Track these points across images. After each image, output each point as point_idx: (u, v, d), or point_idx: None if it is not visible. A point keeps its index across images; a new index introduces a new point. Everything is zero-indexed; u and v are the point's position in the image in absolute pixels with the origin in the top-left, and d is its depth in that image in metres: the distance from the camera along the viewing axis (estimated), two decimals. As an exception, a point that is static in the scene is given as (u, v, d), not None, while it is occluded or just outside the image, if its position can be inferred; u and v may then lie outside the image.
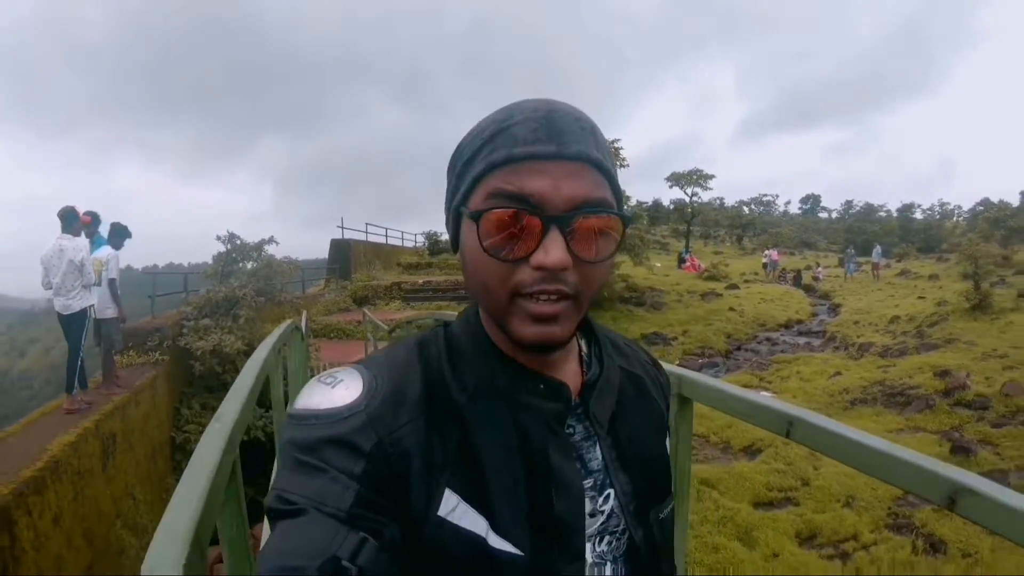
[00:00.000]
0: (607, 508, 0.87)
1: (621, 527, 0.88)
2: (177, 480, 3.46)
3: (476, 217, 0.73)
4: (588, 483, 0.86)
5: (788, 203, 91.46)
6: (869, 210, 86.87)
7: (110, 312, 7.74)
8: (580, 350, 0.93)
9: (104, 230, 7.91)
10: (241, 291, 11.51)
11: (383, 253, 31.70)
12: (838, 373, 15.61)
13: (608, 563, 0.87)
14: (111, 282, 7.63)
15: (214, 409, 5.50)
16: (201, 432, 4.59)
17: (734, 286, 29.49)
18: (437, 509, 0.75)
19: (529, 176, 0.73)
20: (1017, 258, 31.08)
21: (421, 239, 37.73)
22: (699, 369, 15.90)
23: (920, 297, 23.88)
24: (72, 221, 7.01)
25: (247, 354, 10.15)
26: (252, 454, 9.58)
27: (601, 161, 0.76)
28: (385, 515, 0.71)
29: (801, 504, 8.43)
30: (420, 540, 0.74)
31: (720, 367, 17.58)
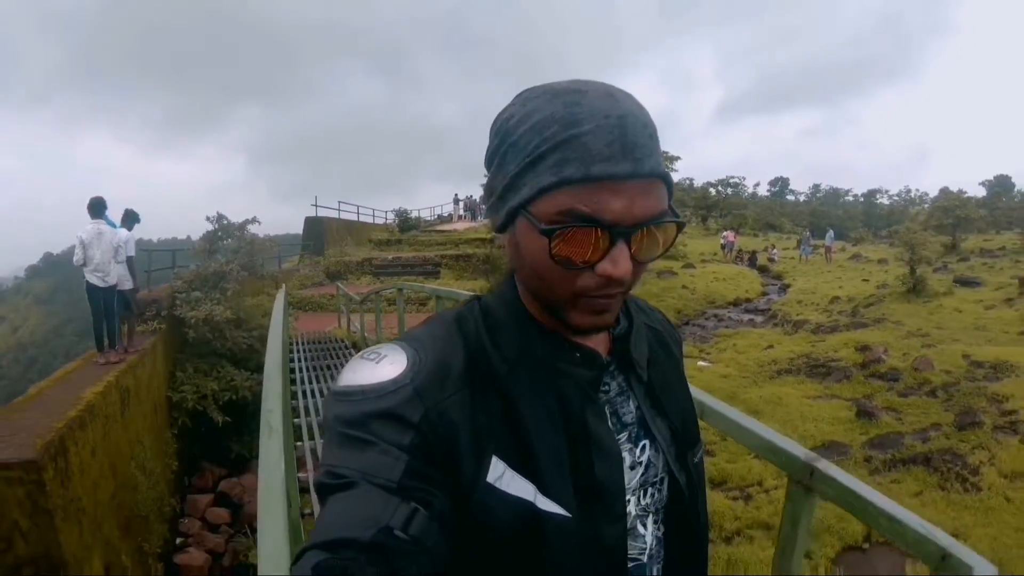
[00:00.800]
0: (644, 458, 0.91)
1: (659, 476, 0.93)
2: (174, 434, 4.89)
3: (549, 234, 0.74)
4: (623, 437, 0.90)
5: (757, 185, 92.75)
6: (836, 194, 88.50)
7: (128, 284, 9.06)
8: None
9: (111, 214, 9.14)
10: (228, 267, 12.83)
11: (355, 230, 32.76)
12: (771, 346, 17.01)
13: (650, 515, 0.93)
14: (129, 259, 8.92)
15: (205, 372, 6.99)
16: (195, 392, 5.99)
17: (690, 265, 30.97)
18: (486, 476, 0.78)
19: (605, 197, 0.73)
20: (965, 246, 32.86)
21: (392, 216, 38.71)
22: None
23: (864, 280, 25.58)
24: (101, 210, 8.34)
25: (235, 323, 11.55)
26: (240, 412, 10.93)
27: (668, 175, 0.79)
28: (434, 485, 0.74)
29: (716, 455, 9.81)
30: (470, 507, 0.77)
31: (672, 341, 18.71)
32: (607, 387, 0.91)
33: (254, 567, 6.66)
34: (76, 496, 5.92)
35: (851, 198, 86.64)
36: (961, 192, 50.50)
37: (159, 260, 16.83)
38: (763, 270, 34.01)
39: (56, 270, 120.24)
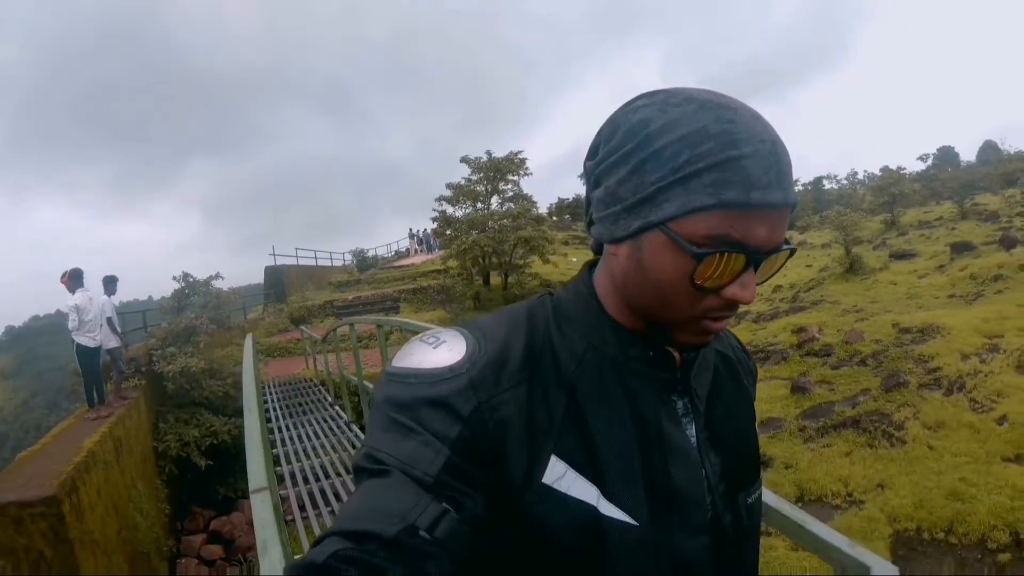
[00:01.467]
0: None
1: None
2: (163, 481, 5.94)
3: (699, 258, 0.72)
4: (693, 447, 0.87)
5: None
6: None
7: (114, 343, 10.02)
8: None
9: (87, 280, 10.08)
10: (197, 321, 13.84)
11: (314, 274, 33.85)
12: (713, 339, 17.93)
13: None
14: (109, 320, 9.86)
15: (185, 421, 8.16)
16: (178, 440, 7.02)
17: None
18: (541, 477, 0.76)
19: (755, 224, 0.72)
20: (904, 220, 34.30)
21: (349, 257, 39.66)
22: None
23: (808, 265, 26.29)
24: (81, 279, 9.33)
25: (208, 372, 12.54)
26: (221, 456, 11.86)
27: (798, 204, 0.78)
28: (472, 485, 0.72)
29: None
30: (521, 509, 0.75)
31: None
32: (675, 402, 0.88)
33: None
34: (89, 529, 6.87)
35: (801, 187, 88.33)
36: (900, 169, 52.56)
37: (130, 321, 17.54)
38: None
39: (19, 343, 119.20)
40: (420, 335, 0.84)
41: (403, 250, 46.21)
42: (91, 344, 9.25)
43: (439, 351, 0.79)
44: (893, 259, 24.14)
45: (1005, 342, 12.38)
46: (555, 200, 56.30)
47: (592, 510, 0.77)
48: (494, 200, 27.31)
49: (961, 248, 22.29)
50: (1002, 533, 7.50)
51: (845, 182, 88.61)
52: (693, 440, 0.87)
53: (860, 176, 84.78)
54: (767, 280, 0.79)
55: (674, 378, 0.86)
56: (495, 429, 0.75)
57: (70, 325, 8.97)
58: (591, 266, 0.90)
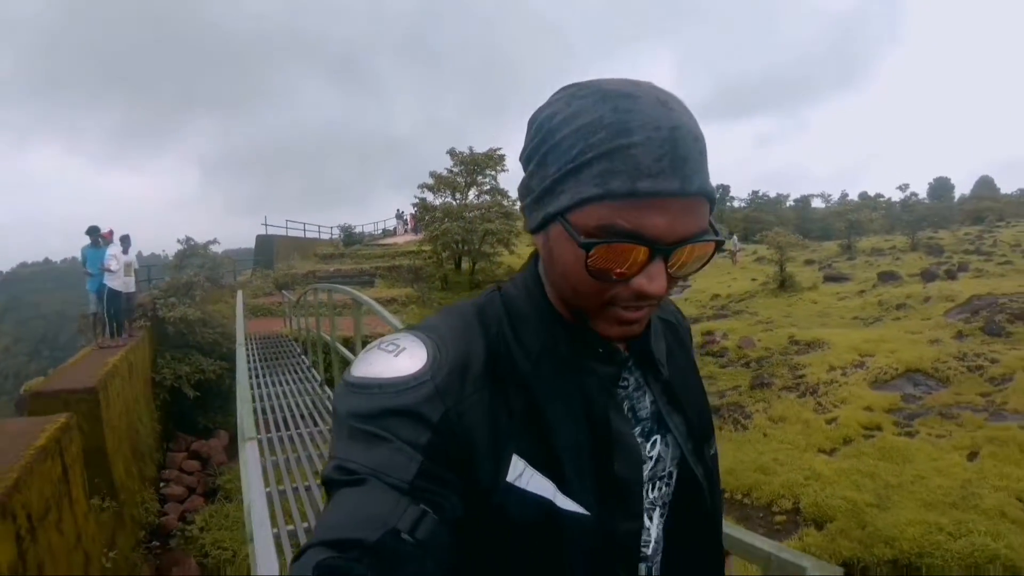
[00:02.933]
0: (654, 454, 0.94)
1: (667, 470, 0.96)
2: (157, 406, 8.96)
3: (587, 248, 0.74)
4: (636, 431, 0.92)
5: None
6: (776, 201, 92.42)
7: (132, 290, 13.10)
8: None
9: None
10: (195, 278, 16.85)
11: (301, 245, 36.41)
12: (637, 336, 20.63)
13: (657, 508, 0.96)
14: (136, 272, 13.00)
15: (179, 359, 11.53)
16: (172, 373, 10.07)
17: None
18: (505, 476, 0.79)
19: (649, 214, 0.73)
20: (861, 246, 36.97)
21: (337, 231, 42.36)
22: None
23: (753, 279, 28.72)
24: (125, 243, 12.27)
25: (202, 322, 15.44)
26: (206, 391, 14.64)
27: (714, 193, 0.78)
28: (447, 488, 0.74)
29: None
30: (488, 508, 0.79)
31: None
32: (625, 382, 0.93)
33: (222, 488, 10.42)
34: (111, 418, 9.68)
35: (791, 204, 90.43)
36: (878, 196, 55.21)
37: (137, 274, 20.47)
38: None
39: (4, 288, 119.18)
40: (379, 342, 0.84)
41: (390, 229, 48.40)
42: (121, 289, 12.08)
43: (400, 359, 0.79)
44: (827, 281, 26.54)
45: (872, 361, 14.53)
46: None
47: (549, 503, 0.80)
48: (472, 192, 29.93)
49: (887, 277, 24.81)
50: (787, 501, 9.85)
51: (833, 203, 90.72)
52: (646, 411, 0.94)
53: (851, 198, 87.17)
54: (690, 272, 0.80)
55: (620, 370, 0.91)
56: (463, 433, 0.77)
57: (113, 267, 11.73)
58: (537, 256, 0.91)
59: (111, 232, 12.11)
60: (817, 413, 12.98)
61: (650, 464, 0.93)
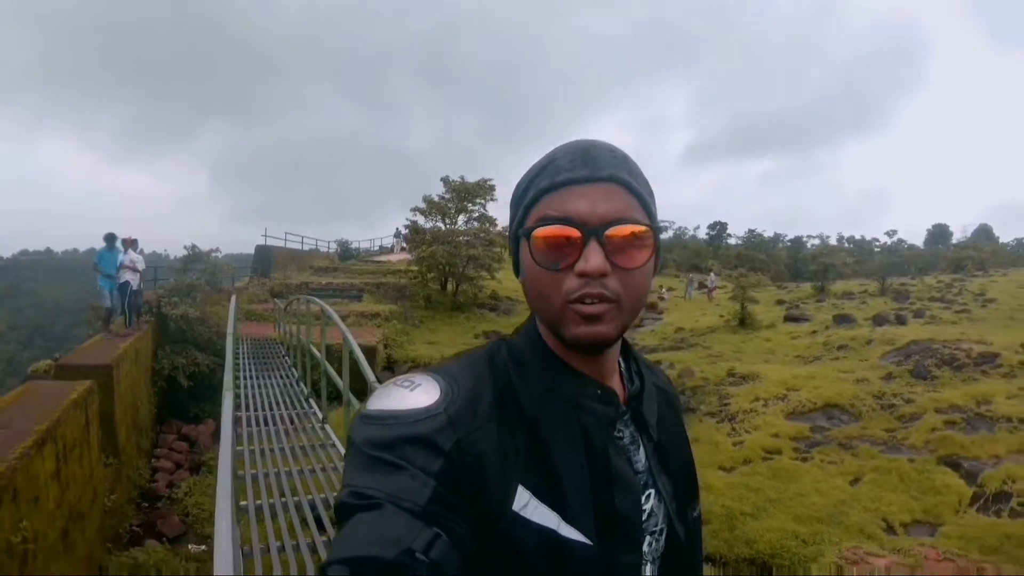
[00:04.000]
0: (648, 507, 1.00)
1: (659, 527, 1.02)
2: (155, 392, 11.22)
3: (528, 235, 0.90)
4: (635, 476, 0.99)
5: (697, 228, 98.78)
6: (774, 240, 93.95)
7: (141, 286, 15.27)
8: (620, 367, 1.07)
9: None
10: (197, 281, 19.19)
11: (298, 257, 38.80)
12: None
13: (648, 564, 1.00)
14: (143, 272, 15.10)
15: (176, 352, 14.43)
16: (170, 364, 13.00)
17: None
18: (512, 505, 0.85)
19: (570, 199, 0.88)
20: (834, 288, 38.67)
21: (334, 246, 44.60)
22: None
23: (721, 316, 29.62)
24: (134, 246, 14.41)
25: (200, 320, 17.59)
26: (199, 382, 16.72)
27: (631, 183, 0.91)
28: (457, 514, 0.79)
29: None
30: (495, 535, 0.84)
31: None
32: (621, 434, 1.00)
33: (207, 464, 12.44)
34: (121, 392, 11.75)
35: (784, 244, 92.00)
36: (874, 240, 57.18)
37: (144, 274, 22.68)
38: (652, 307, 39.57)
39: (3, 275, 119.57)
40: (395, 380, 0.91)
41: (387, 246, 50.31)
42: (133, 285, 14.27)
43: (415, 394, 0.86)
44: (787, 321, 27.78)
45: (796, 395, 15.53)
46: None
47: (553, 533, 0.86)
48: (461, 218, 31.90)
49: (842, 319, 25.69)
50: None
51: (825, 244, 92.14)
52: (640, 465, 1.01)
53: (832, 241, 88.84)
54: (636, 262, 0.89)
55: (617, 413, 0.99)
56: (473, 462, 0.83)
57: (139, 267, 14.28)
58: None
59: (131, 239, 14.26)
60: (729, 437, 14.31)
61: (644, 515, 0.99)
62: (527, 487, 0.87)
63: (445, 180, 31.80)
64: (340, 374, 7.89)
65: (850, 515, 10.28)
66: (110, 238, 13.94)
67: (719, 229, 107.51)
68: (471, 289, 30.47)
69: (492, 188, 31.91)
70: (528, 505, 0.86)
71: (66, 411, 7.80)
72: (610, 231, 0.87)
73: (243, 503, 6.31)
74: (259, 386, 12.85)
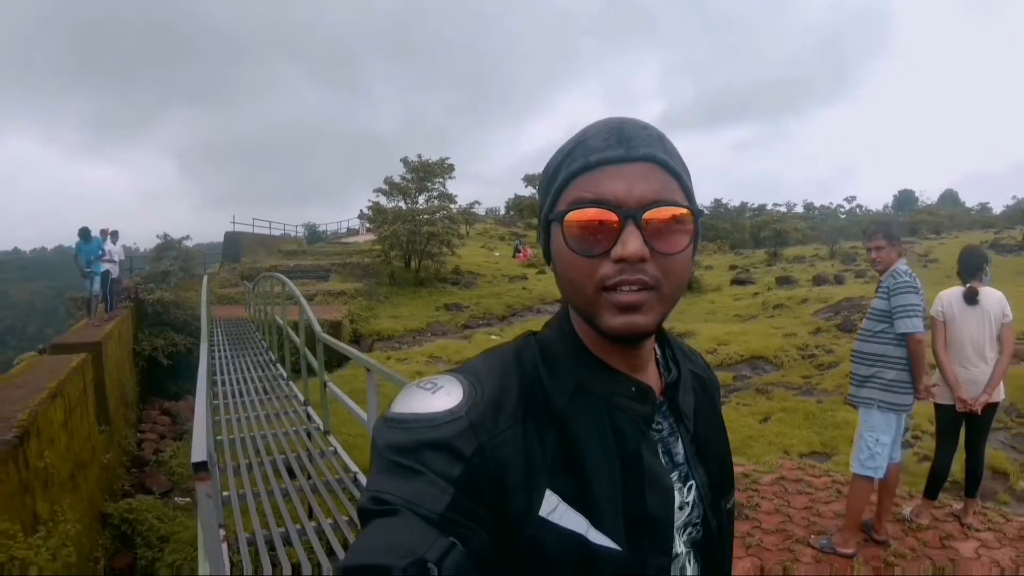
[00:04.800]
0: (691, 499, 0.98)
1: (699, 517, 1.00)
2: (137, 372, 13.11)
3: (560, 219, 0.85)
4: (675, 475, 0.96)
5: None
6: (740, 210, 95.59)
7: (116, 275, 16.66)
8: (656, 355, 1.03)
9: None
10: (171, 268, 20.86)
11: (267, 242, 40.37)
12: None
13: (692, 551, 1.00)
14: (120, 262, 16.57)
15: (155, 334, 17.28)
16: (150, 345, 15.50)
17: (543, 272, 36.58)
18: (538, 510, 0.82)
19: (605, 180, 0.83)
20: (786, 253, 40.56)
21: (302, 230, 46.08)
22: (476, 327, 24.48)
23: None
24: (114, 238, 15.86)
25: (175, 304, 19.16)
26: (177, 361, 18.24)
27: (668, 162, 0.86)
28: (477, 522, 0.77)
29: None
30: (520, 541, 0.81)
31: (494, 327, 24.51)
32: (660, 426, 0.97)
33: (189, 433, 14.10)
34: (109, 367, 13.31)
35: (750, 213, 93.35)
36: (839, 207, 58.71)
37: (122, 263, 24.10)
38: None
39: None
40: (417, 382, 0.89)
41: (355, 228, 51.37)
42: (113, 273, 15.77)
43: (437, 396, 0.84)
44: (734, 284, 29.44)
45: (725, 348, 16.41)
46: (511, 197, 63.32)
47: (582, 539, 0.83)
48: (422, 197, 33.40)
49: (784, 281, 27.71)
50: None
51: (785, 211, 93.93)
52: (681, 456, 0.98)
53: (799, 209, 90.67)
54: (676, 246, 0.84)
55: (653, 409, 0.94)
56: (495, 468, 0.80)
57: (116, 259, 15.62)
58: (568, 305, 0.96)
59: (109, 230, 15.70)
60: (659, 385, 15.71)
61: (688, 509, 0.98)
62: (555, 491, 0.84)
63: (405, 160, 33.25)
64: (304, 344, 9.19)
65: (754, 447, 10.86)
66: (85, 232, 15.16)
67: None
68: (433, 265, 31.96)
69: (451, 167, 33.47)
70: (556, 510, 0.83)
71: (69, 375, 9.35)
72: (648, 214, 0.82)
73: (220, 465, 7.18)
74: (232, 359, 14.55)
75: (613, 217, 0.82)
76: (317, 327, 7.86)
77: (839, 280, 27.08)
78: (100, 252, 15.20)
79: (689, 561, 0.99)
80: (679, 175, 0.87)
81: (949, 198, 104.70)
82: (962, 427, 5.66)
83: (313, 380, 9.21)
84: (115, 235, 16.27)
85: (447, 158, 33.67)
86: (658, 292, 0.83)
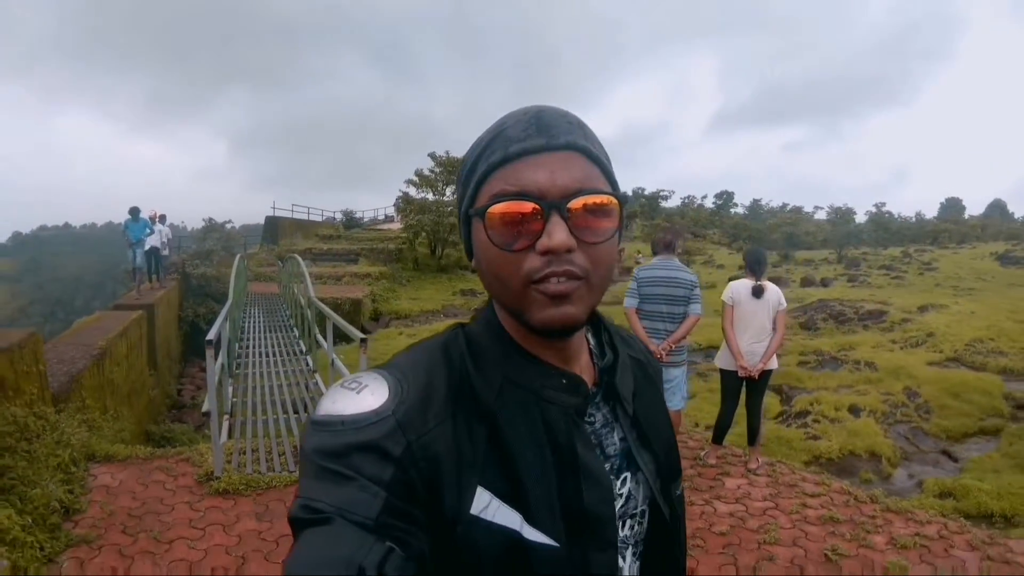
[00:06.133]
0: (624, 491, 0.97)
1: (639, 508, 0.99)
2: (180, 333, 16.82)
3: (481, 215, 0.83)
4: (607, 467, 0.95)
5: (704, 197, 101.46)
6: (779, 210, 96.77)
7: (166, 253, 19.80)
8: (589, 344, 1.01)
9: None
10: (214, 247, 24.53)
11: (304, 227, 43.61)
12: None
13: (629, 547, 0.99)
14: (169, 240, 19.83)
15: (198, 304, 24.57)
16: (192, 312, 21.17)
17: None
18: (469, 508, 0.81)
19: (526, 170, 0.82)
20: (799, 256, 42.61)
21: (340, 215, 49.83)
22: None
23: None
24: (162, 220, 19.03)
25: (216, 278, 22.67)
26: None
27: (590, 149, 0.85)
28: (413, 523, 0.75)
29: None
30: (453, 540, 0.80)
31: (504, 311, 27.55)
32: (592, 418, 0.95)
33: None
34: (160, 326, 16.43)
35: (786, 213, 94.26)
36: (846, 210, 59.51)
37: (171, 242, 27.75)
38: (628, 270, 43.54)
39: (23, 250, 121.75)
40: (341, 381, 0.87)
41: (391, 215, 53.20)
42: (164, 251, 18.93)
43: (363, 396, 0.81)
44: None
45: (690, 336, 17.22)
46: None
47: (516, 535, 0.82)
48: (449, 189, 36.20)
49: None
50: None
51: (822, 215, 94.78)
52: (614, 448, 0.97)
53: (843, 210, 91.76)
54: (601, 236, 0.84)
55: (585, 401, 0.93)
56: (427, 467, 0.79)
57: (164, 239, 18.75)
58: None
59: (158, 214, 18.90)
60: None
61: (620, 501, 0.96)
62: (487, 487, 0.83)
63: (432, 155, 36.28)
64: (323, 317, 10.69)
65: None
66: (135, 211, 17.66)
67: (726, 198, 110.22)
68: (454, 253, 34.95)
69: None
70: (489, 507, 0.82)
71: (130, 324, 12.49)
72: (573, 203, 0.81)
73: (234, 398, 9.81)
74: (261, 321, 18.08)
75: (536, 208, 0.81)
76: (313, 295, 10.74)
77: (825, 283, 29.10)
78: (148, 231, 17.77)
79: (624, 556, 0.98)
80: (601, 162, 0.87)
81: (997, 208, 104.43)
82: (742, 389, 6.72)
83: (320, 350, 10.93)
84: (163, 218, 19.35)
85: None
86: (587, 282, 0.83)
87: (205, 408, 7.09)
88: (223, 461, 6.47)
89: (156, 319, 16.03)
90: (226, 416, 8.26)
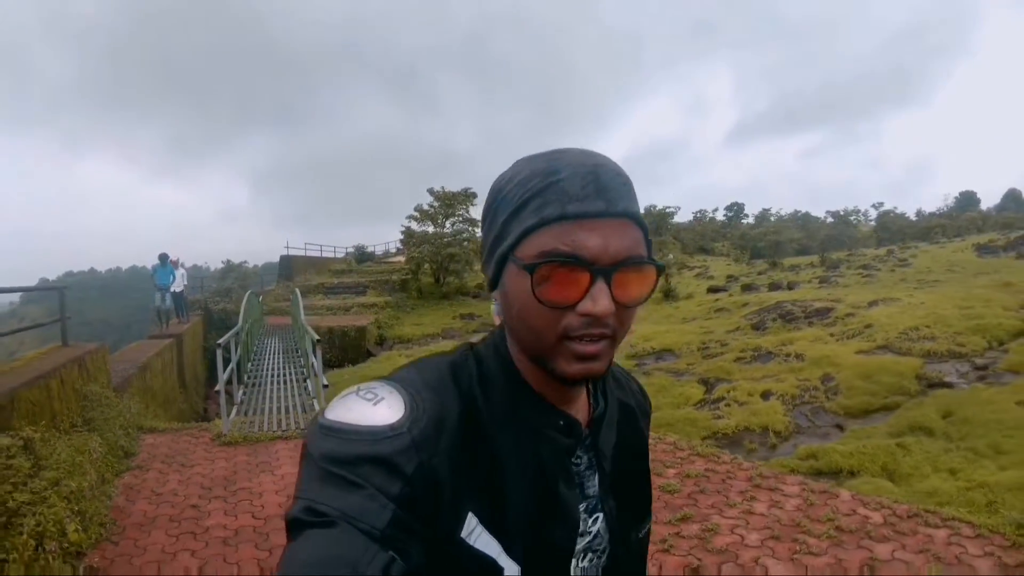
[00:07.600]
0: (595, 529, 1.01)
1: (603, 547, 1.03)
2: (205, 361, 22.28)
3: (531, 270, 0.82)
4: (583, 506, 0.99)
5: (715, 210, 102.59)
6: (790, 219, 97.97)
7: (187, 293, 23.30)
8: (587, 387, 1.03)
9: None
10: (232, 286, 28.13)
11: (317, 263, 47.21)
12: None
13: None
14: (187, 286, 23.22)
15: (219, 334, 28.07)
16: (215, 342, 24.22)
17: None
18: (460, 531, 0.84)
19: (581, 234, 0.82)
20: (785, 262, 44.29)
21: (351, 250, 53.50)
22: (483, 332, 29.60)
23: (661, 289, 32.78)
24: (177, 265, 22.21)
25: (235, 313, 25.78)
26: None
27: (640, 217, 0.87)
28: (414, 538, 0.77)
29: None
30: (442, 559, 0.83)
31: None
32: (579, 460, 0.99)
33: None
34: (187, 352, 19.94)
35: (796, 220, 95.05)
36: (856, 210, 60.58)
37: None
38: None
39: (50, 297, 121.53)
40: (357, 389, 0.87)
41: (401, 247, 55.89)
42: (184, 293, 22.29)
43: (379, 408, 0.82)
44: (710, 292, 32.26)
45: (643, 343, 18.53)
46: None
47: (493, 563, 0.86)
48: (449, 222, 39.47)
49: (749, 288, 30.75)
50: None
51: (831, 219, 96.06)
52: (593, 490, 1.01)
53: (854, 217, 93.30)
54: (637, 299, 0.86)
55: (577, 443, 0.97)
56: (432, 487, 0.81)
57: (184, 283, 22.11)
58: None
59: (176, 260, 21.97)
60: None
61: (588, 537, 1.00)
62: (476, 514, 0.86)
63: (431, 190, 39.43)
64: (330, 343, 14.47)
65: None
66: (163, 257, 20.75)
67: (736, 210, 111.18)
68: (455, 280, 38.24)
69: (473, 196, 39.40)
70: (474, 532, 0.85)
71: (163, 347, 15.98)
72: (619, 272, 0.83)
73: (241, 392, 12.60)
74: (273, 346, 21.46)
75: (585, 273, 0.81)
76: (304, 322, 14.15)
77: (791, 287, 30.33)
78: (172, 277, 20.69)
79: None
80: (645, 228, 0.88)
81: (1011, 197, 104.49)
82: None
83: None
84: (176, 263, 22.10)
85: (470, 188, 39.71)
86: (613, 339, 0.86)
87: (216, 388, 10.55)
88: (230, 427, 9.83)
89: (184, 346, 19.33)
90: (240, 390, 11.73)
